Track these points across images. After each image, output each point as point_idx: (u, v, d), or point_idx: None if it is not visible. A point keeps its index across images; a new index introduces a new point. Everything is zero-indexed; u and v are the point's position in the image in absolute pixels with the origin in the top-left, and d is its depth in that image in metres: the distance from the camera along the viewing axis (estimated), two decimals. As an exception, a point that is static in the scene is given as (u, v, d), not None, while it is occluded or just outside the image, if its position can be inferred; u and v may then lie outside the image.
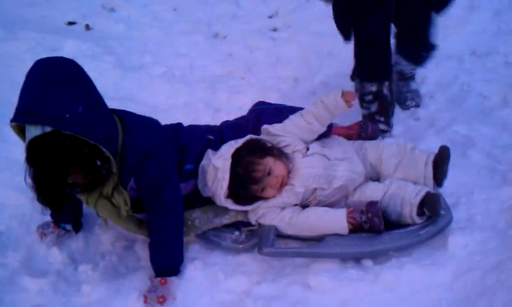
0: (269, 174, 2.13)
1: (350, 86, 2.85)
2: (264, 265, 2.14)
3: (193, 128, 2.40)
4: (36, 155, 1.78)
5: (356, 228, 2.07)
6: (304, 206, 2.19)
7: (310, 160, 2.19)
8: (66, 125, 1.74)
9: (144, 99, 3.29)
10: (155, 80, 3.47)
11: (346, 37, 2.63)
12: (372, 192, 2.17)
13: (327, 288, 1.98)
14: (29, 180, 1.86)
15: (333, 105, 2.20)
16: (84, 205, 2.18)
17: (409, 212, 2.06)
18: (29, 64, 1.86)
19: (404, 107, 2.93)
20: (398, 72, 2.93)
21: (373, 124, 2.54)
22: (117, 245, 2.32)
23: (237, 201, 2.15)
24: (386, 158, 2.27)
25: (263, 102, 2.59)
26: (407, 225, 2.09)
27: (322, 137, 2.32)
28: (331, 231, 2.08)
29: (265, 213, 2.16)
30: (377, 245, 2.05)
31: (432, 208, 2.06)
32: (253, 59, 3.73)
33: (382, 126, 2.64)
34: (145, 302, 1.99)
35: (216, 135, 2.34)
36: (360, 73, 2.61)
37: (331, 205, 2.19)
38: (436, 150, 2.22)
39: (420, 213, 2.07)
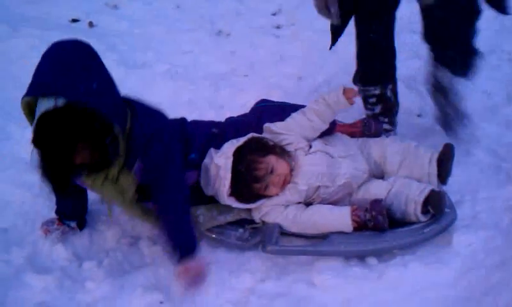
0: (271, 172, 2.13)
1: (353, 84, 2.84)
2: (268, 262, 2.15)
3: (197, 122, 2.41)
4: (46, 130, 1.77)
5: (360, 226, 2.07)
6: (307, 204, 2.19)
7: (312, 157, 2.20)
8: (81, 96, 1.76)
9: (147, 96, 3.22)
10: (158, 78, 3.47)
11: (333, 42, 2.52)
12: (377, 190, 2.17)
13: (331, 285, 1.98)
14: (36, 160, 1.85)
15: (334, 102, 2.20)
16: (89, 190, 2.16)
17: (414, 209, 2.06)
18: (34, 62, 1.87)
19: (451, 132, 2.60)
20: (434, 85, 2.59)
21: (376, 122, 2.53)
22: (121, 242, 2.32)
23: (240, 199, 2.16)
24: (390, 156, 2.27)
25: (266, 100, 2.59)
26: (411, 223, 2.09)
27: (325, 134, 2.32)
28: (335, 229, 2.08)
29: (269, 211, 2.16)
30: (382, 243, 2.06)
31: (436, 206, 2.06)
32: (256, 56, 3.72)
33: (386, 126, 2.63)
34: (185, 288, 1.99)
35: (220, 129, 2.35)
36: (361, 78, 2.56)
37: (335, 203, 2.19)
38: (440, 148, 2.22)
39: (425, 211, 2.07)
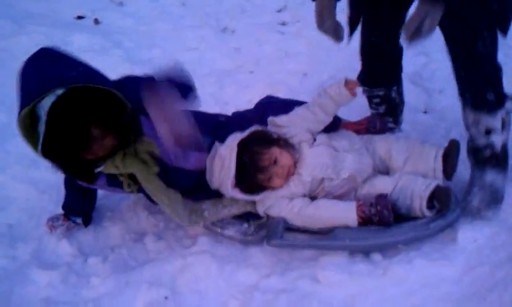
0: (275, 163, 2.13)
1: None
2: (272, 258, 2.15)
3: (203, 112, 2.40)
4: (60, 119, 1.75)
5: (365, 221, 2.07)
6: (312, 198, 2.19)
7: (317, 149, 2.20)
8: (75, 79, 1.74)
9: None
10: (163, 74, 3.48)
11: (351, 33, 2.31)
12: (382, 185, 2.16)
13: (335, 281, 1.98)
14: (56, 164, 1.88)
15: (336, 94, 2.21)
16: (111, 172, 2.06)
17: (419, 205, 2.05)
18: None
19: (468, 211, 2.16)
20: (470, 146, 2.23)
21: (381, 119, 2.53)
22: (126, 238, 2.33)
23: (244, 190, 2.16)
24: (395, 152, 2.26)
25: (271, 96, 2.59)
26: (416, 218, 2.08)
27: (330, 131, 2.32)
28: (340, 223, 2.08)
29: (274, 204, 2.16)
30: (387, 237, 2.05)
31: (442, 201, 2.05)
32: (261, 53, 3.72)
33: (390, 125, 2.61)
34: None
35: (226, 118, 2.39)
36: (364, 80, 2.51)
37: (339, 198, 2.18)
38: (445, 144, 2.22)
39: (430, 206, 2.07)
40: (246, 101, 3.05)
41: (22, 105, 1.77)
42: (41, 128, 1.77)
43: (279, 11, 4.30)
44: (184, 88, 2.02)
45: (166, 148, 1.99)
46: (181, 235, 2.33)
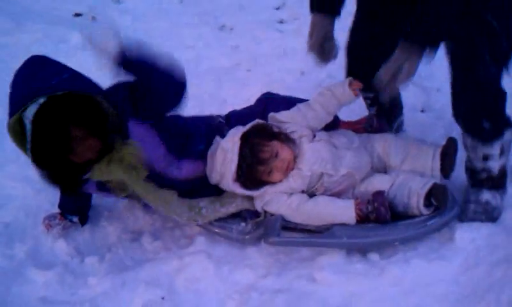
0: (275, 156, 2.14)
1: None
2: (269, 258, 2.14)
3: (198, 116, 2.43)
4: (42, 129, 1.82)
5: (362, 219, 2.07)
6: (311, 194, 2.19)
7: (316, 145, 2.21)
8: (57, 87, 1.80)
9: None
10: (161, 72, 3.47)
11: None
12: (379, 183, 2.16)
13: (332, 281, 1.97)
14: (40, 171, 1.92)
15: (340, 93, 2.22)
16: (96, 179, 2.07)
17: (417, 202, 2.05)
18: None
19: (465, 218, 2.14)
20: (467, 165, 2.21)
21: (379, 118, 2.52)
22: (123, 237, 2.33)
23: (245, 184, 2.16)
24: (393, 151, 2.26)
25: (271, 92, 2.58)
26: (414, 216, 2.08)
27: (329, 129, 2.33)
28: (338, 220, 2.08)
29: (273, 199, 2.15)
30: (384, 235, 2.04)
31: (439, 198, 2.05)
32: (259, 51, 3.71)
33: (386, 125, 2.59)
34: None
35: (224, 119, 2.39)
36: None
37: (337, 195, 2.18)
38: (443, 142, 2.21)
39: (427, 204, 2.06)
40: (244, 99, 3.03)
41: (10, 114, 1.85)
42: (28, 136, 1.84)
43: (277, 8, 4.29)
44: (176, 84, 2.05)
45: (157, 155, 2.04)
46: (178, 235, 2.32)
